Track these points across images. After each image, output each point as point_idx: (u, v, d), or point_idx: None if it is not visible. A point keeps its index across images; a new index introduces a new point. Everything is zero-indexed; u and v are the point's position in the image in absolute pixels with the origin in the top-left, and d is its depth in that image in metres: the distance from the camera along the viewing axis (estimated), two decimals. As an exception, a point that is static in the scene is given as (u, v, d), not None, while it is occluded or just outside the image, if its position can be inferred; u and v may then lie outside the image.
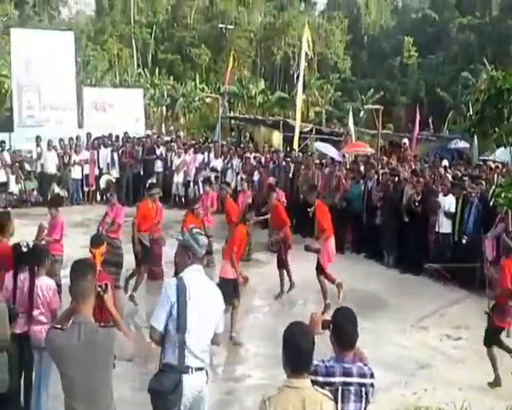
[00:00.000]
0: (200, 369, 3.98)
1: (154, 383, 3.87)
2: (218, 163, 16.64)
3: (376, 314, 8.64)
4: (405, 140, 20.01)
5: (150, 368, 6.73)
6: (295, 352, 3.03)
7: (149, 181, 11.50)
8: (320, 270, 8.85)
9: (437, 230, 10.80)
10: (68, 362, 3.27)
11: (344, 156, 17.96)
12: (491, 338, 6.59)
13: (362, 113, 33.18)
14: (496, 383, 6.44)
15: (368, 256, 12.07)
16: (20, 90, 19.05)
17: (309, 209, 9.29)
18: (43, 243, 7.89)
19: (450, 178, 11.93)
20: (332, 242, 8.99)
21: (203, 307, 3.97)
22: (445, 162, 15.81)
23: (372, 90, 41.77)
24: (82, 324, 3.33)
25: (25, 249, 5.60)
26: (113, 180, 15.20)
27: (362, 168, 13.59)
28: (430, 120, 31.48)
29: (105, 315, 3.94)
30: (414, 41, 49.45)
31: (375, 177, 12.37)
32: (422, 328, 8.30)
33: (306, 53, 19.34)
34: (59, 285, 6.55)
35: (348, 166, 14.72)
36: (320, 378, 3.27)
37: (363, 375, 3.38)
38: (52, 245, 8.25)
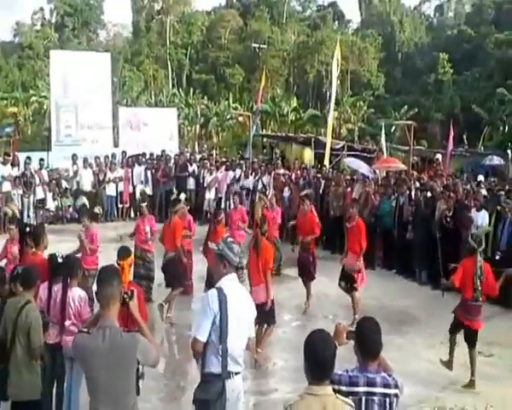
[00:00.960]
0: (239, 373, 4.12)
1: (200, 393, 3.99)
2: (249, 182, 16.72)
3: (406, 330, 8.55)
4: (438, 155, 19.79)
5: (178, 380, 6.88)
6: (316, 359, 3.05)
7: (172, 197, 11.50)
8: (352, 287, 8.83)
9: (469, 245, 10.60)
10: (93, 365, 3.38)
11: (375, 172, 17.85)
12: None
13: (394, 129, 32.94)
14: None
15: (399, 272, 11.95)
16: (59, 109, 19.58)
17: (347, 224, 9.22)
18: (79, 255, 8.14)
19: (485, 193, 11.76)
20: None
21: (240, 315, 4.09)
22: (480, 177, 15.58)
23: (406, 106, 41.45)
24: (107, 328, 3.43)
25: (60, 260, 5.79)
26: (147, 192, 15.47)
27: (393, 184, 13.52)
28: (465, 137, 31.05)
29: (130, 322, 4.05)
30: (449, 57, 48.95)
31: (407, 192, 12.28)
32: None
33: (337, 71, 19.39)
34: (92, 299, 6.69)
35: (380, 182, 14.65)
36: (343, 388, 3.27)
37: (387, 385, 3.35)
38: (87, 259, 8.48)
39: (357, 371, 3.38)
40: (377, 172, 17.83)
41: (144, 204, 10.32)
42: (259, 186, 16.22)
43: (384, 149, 19.57)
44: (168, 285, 9.12)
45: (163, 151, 18.99)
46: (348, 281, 8.95)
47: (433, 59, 50.81)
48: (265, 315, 7.08)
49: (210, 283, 8.75)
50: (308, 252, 9.65)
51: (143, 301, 5.43)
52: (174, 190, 17.47)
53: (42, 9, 68.29)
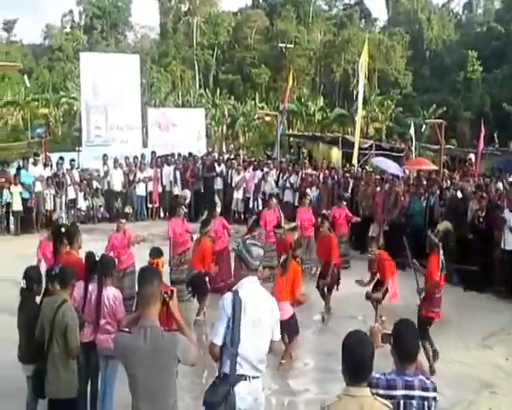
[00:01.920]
0: (257, 377, 4.06)
1: (207, 395, 4.01)
2: (270, 187, 16.56)
3: (438, 331, 8.40)
4: (471, 155, 19.46)
5: (209, 379, 6.91)
6: (354, 360, 3.04)
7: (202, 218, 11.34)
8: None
9: (502, 246, 10.45)
10: (134, 363, 3.42)
11: (405, 172, 17.67)
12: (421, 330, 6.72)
13: (424, 128, 32.54)
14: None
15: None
16: (89, 111, 19.91)
17: (369, 255, 8.91)
18: (112, 254, 8.26)
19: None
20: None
21: (258, 318, 4.02)
22: (512, 177, 15.29)
23: (434, 105, 40.95)
24: (148, 327, 3.45)
25: (96, 259, 5.87)
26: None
27: (424, 184, 13.37)
28: (495, 135, 30.49)
29: (170, 322, 4.08)
30: (478, 55, 48.16)
31: (438, 192, 12.14)
32: (487, 346, 8.04)
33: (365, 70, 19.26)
34: (127, 298, 6.77)
35: (411, 182, 14.50)
36: (381, 391, 3.24)
37: (425, 388, 3.32)
38: (122, 258, 8.62)
39: (395, 375, 3.35)
40: (407, 171, 17.66)
41: (183, 208, 10.35)
42: (287, 189, 16.20)
43: (413, 148, 19.37)
44: (193, 296, 9.14)
45: (190, 153, 19.13)
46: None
47: (461, 56, 50.06)
48: (287, 329, 6.86)
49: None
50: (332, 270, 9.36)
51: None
52: (202, 190, 17.67)
53: (71, 12, 69.54)
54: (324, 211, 12.79)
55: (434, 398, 3.34)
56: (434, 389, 3.35)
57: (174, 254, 9.87)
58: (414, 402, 3.29)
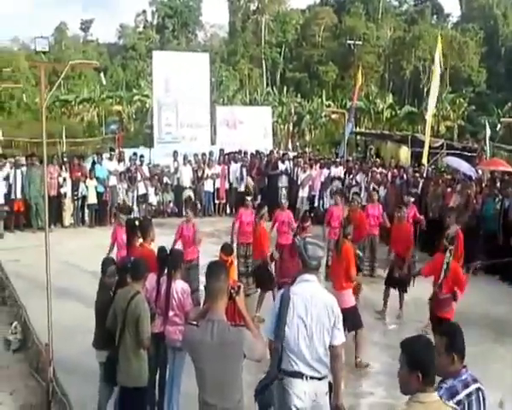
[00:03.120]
0: (317, 378, 4.04)
1: (257, 386, 4.11)
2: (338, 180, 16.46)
3: (510, 340, 8.12)
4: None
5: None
6: (424, 365, 2.98)
7: (257, 203, 11.44)
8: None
9: None
10: (201, 357, 3.49)
11: (477, 172, 17.05)
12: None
13: (498, 127, 31.25)
14: None
15: (503, 278, 11.35)
16: (160, 108, 20.44)
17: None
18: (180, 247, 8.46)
19: None
20: None
21: (311, 316, 4.02)
22: None
23: (510, 103, 39.27)
24: (215, 321, 3.52)
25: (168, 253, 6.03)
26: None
27: (498, 185, 12.84)
28: None
29: (237, 317, 4.15)
30: (558, 51, 45.78)
31: (513, 195, 11.63)
32: None
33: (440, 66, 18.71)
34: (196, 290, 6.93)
35: (485, 183, 13.97)
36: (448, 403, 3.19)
37: (475, 380, 3.34)
38: (187, 250, 8.76)
39: (453, 380, 3.32)
40: (479, 172, 17.03)
41: (249, 198, 10.43)
42: (353, 184, 16.05)
43: (488, 149, 18.64)
44: (257, 287, 9.20)
45: (257, 151, 19.28)
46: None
47: (540, 53, 47.74)
48: (351, 320, 6.78)
49: None
50: (405, 265, 9.15)
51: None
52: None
53: (144, 12, 71.71)
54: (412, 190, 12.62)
55: (480, 388, 3.35)
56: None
57: (239, 243, 9.85)
58: (473, 397, 3.30)
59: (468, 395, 3.27)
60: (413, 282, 8.70)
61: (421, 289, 9.07)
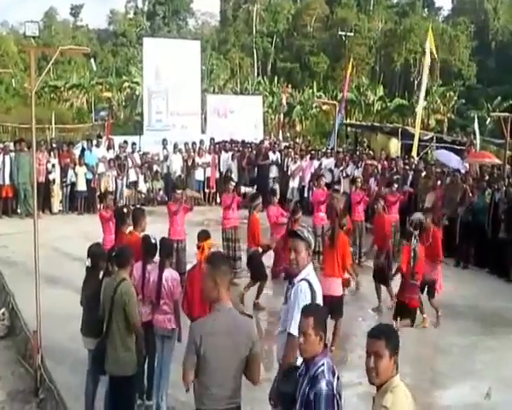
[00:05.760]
0: None
1: (281, 385, 3.97)
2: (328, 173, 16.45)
3: (500, 332, 8.19)
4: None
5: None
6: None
7: (251, 193, 11.57)
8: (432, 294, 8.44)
9: None
10: (207, 345, 3.45)
11: (466, 166, 17.13)
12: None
13: (488, 121, 31.41)
14: None
15: (491, 271, 11.43)
16: (150, 96, 20.27)
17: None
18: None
19: None
20: None
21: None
22: None
23: (499, 98, 39.45)
24: (223, 311, 3.55)
25: (153, 241, 6.01)
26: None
27: (487, 178, 12.91)
28: None
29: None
30: (548, 46, 46.03)
31: (504, 188, 11.68)
32: None
33: (431, 58, 18.72)
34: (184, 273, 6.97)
35: (473, 177, 14.02)
36: None
37: None
38: (176, 230, 9.11)
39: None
40: (467, 165, 17.11)
41: (233, 183, 10.67)
42: (344, 175, 16.05)
43: (477, 143, 18.72)
44: (252, 278, 9.20)
45: (243, 141, 19.23)
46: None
47: (530, 48, 47.99)
48: (336, 308, 6.83)
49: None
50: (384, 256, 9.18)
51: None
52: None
53: (135, -2, 70.88)
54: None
55: None
56: None
57: (223, 228, 10.11)
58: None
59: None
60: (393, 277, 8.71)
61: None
